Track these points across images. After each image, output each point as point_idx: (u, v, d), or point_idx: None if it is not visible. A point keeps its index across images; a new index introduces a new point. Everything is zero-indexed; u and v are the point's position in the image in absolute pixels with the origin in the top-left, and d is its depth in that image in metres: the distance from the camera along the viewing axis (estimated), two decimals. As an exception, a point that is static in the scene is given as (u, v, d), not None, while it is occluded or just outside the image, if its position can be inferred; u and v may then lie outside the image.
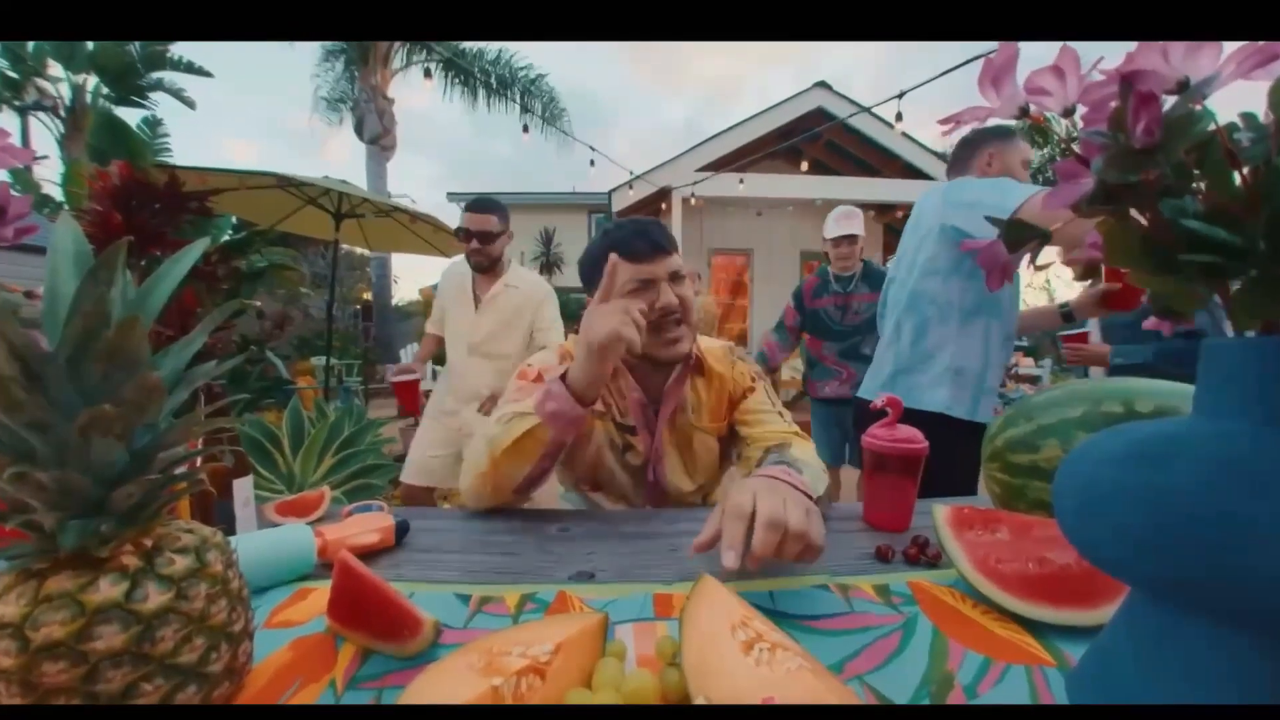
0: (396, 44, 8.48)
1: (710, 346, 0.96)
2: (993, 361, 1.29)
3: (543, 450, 0.72)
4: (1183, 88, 0.27)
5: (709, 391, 0.92)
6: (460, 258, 2.06)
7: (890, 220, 6.87)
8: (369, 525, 0.64)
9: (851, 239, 2.22)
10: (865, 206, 6.60)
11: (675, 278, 0.83)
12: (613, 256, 0.72)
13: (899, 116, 3.70)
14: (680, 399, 0.91)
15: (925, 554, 0.62)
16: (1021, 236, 0.35)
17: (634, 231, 0.82)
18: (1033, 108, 0.33)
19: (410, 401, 2.29)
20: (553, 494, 1.13)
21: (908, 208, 6.30)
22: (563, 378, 0.72)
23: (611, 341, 0.67)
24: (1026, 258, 0.37)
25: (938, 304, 1.29)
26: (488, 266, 1.96)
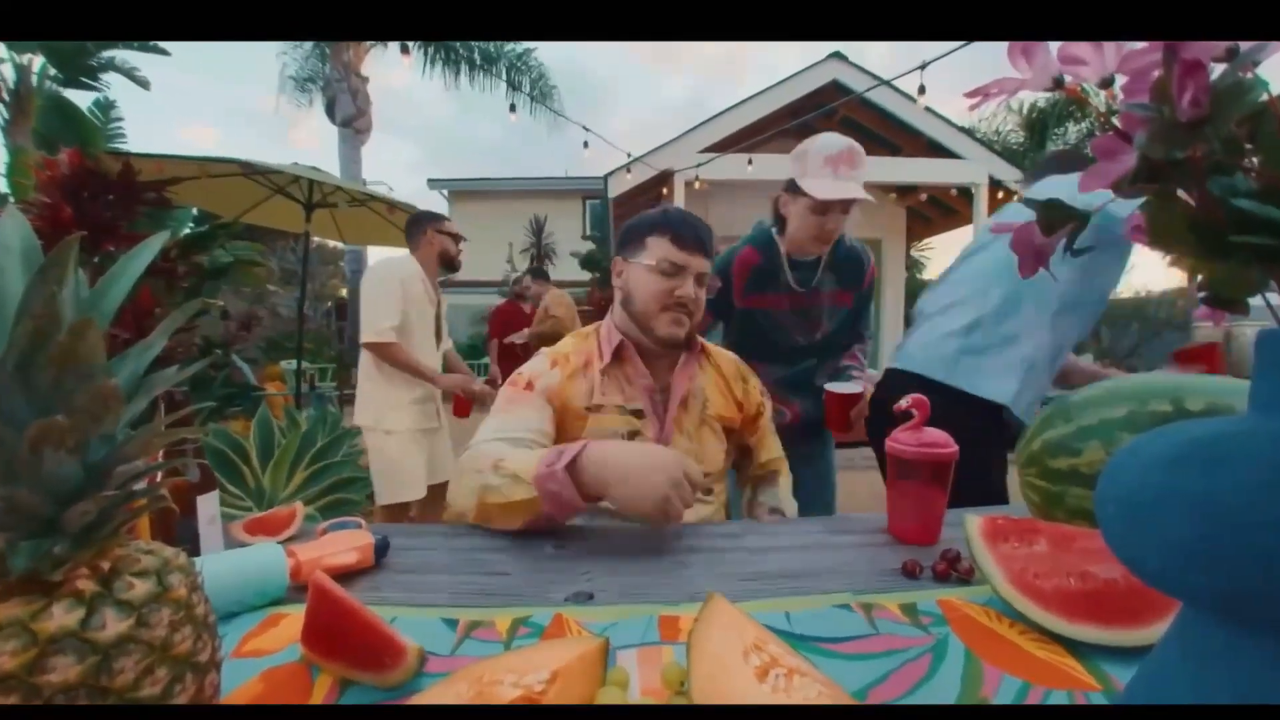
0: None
1: (718, 352, 1.09)
2: (1056, 365, 1.27)
3: (531, 519, 0.73)
4: (1232, 54, 0.27)
5: (716, 388, 1.03)
6: (403, 254, 2.15)
7: (914, 203, 6.86)
8: (346, 544, 0.64)
9: (846, 206, 1.33)
10: (886, 188, 6.59)
11: (700, 278, 0.96)
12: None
13: (921, 89, 3.69)
14: (690, 388, 1.00)
15: (956, 569, 0.62)
16: (1057, 218, 0.35)
17: (691, 222, 0.96)
18: (1068, 79, 0.33)
19: (464, 407, 2.32)
20: None
21: (933, 189, 6.30)
22: (574, 461, 0.71)
23: (657, 512, 0.68)
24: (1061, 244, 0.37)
25: (1037, 286, 1.19)
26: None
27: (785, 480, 1.09)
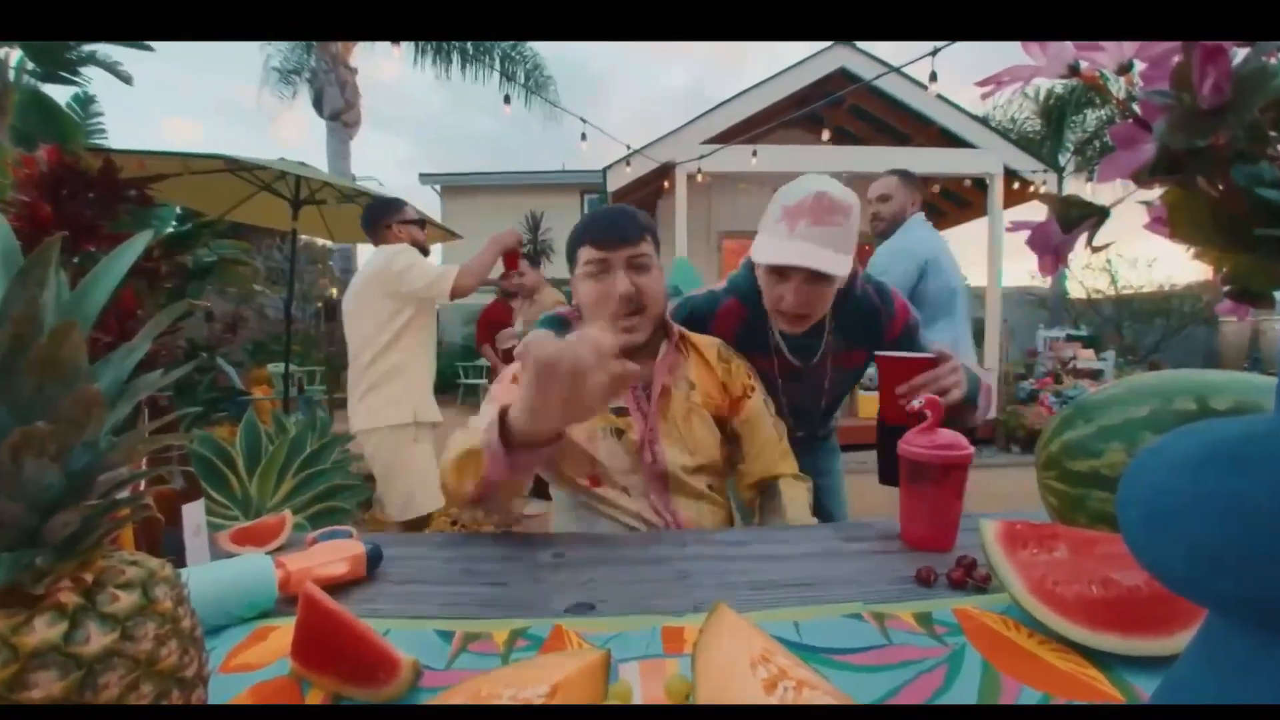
0: (359, 6, 8.51)
1: (700, 339, 1.07)
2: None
3: (479, 476, 0.72)
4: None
5: (701, 375, 1.02)
6: (402, 246, 2.09)
7: (926, 196, 6.87)
8: (337, 554, 0.64)
9: (819, 279, 1.00)
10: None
11: (637, 265, 0.94)
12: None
13: (933, 77, 3.69)
14: (673, 378, 1.00)
15: (973, 577, 0.62)
16: (1076, 214, 0.35)
17: (605, 215, 0.96)
18: (1084, 65, 0.33)
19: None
20: (545, 520, 1.16)
21: (945, 180, 6.29)
22: (504, 414, 0.70)
23: (550, 362, 0.62)
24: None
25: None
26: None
27: (794, 494, 0.99)
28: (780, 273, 1.02)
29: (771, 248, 1.01)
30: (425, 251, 2.18)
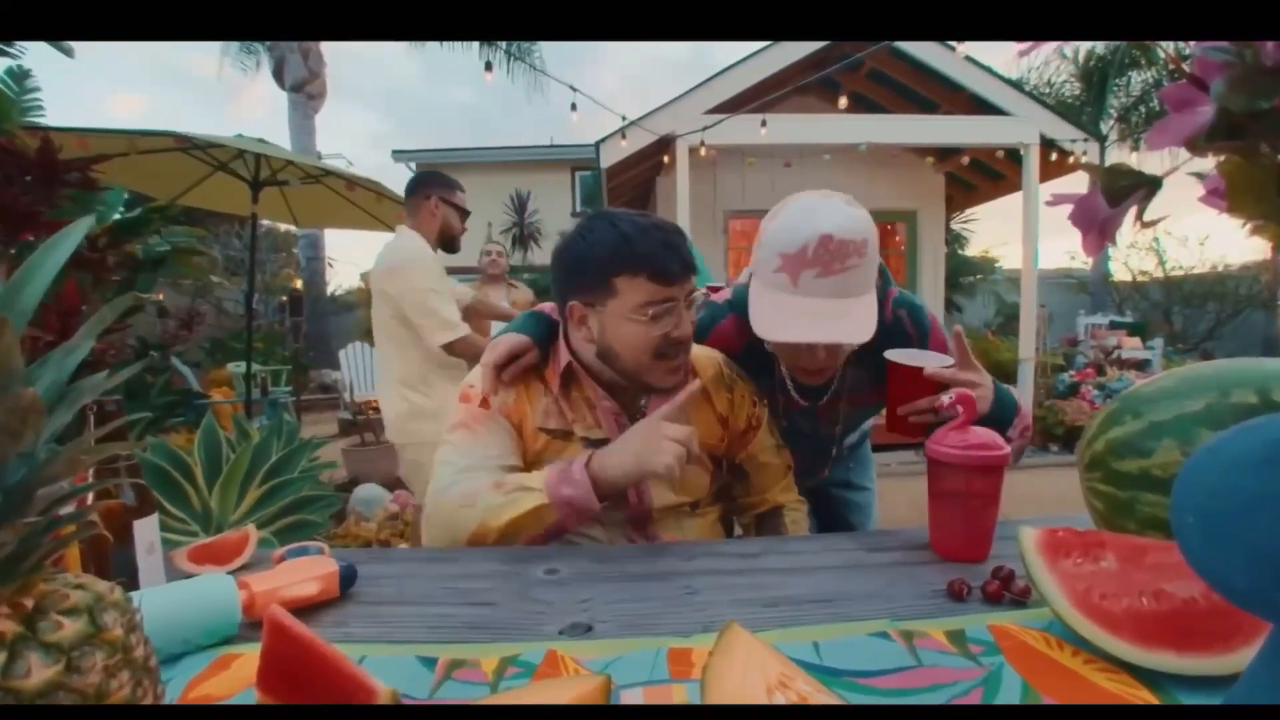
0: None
1: (699, 356, 0.99)
2: None
3: (544, 532, 0.82)
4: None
5: (697, 408, 0.97)
6: (408, 235, 2.07)
7: (954, 168, 6.85)
8: (306, 573, 0.64)
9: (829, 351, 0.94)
10: (922, 151, 6.58)
11: (689, 300, 0.88)
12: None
13: (962, 36, 3.68)
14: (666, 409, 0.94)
15: (1010, 590, 0.62)
16: (1124, 185, 0.35)
17: (662, 244, 0.84)
18: (1133, 18, 0.32)
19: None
20: None
21: (975, 151, 6.28)
22: (587, 463, 0.81)
23: (664, 473, 0.78)
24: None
25: None
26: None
27: (796, 516, 1.05)
28: (789, 347, 0.94)
29: (777, 318, 0.88)
30: (453, 248, 2.16)
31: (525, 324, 0.97)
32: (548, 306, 1.01)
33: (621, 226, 0.84)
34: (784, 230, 0.87)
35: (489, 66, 5.22)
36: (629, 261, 0.82)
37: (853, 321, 0.86)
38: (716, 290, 1.18)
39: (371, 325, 2.14)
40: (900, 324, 1.04)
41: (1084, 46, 10.04)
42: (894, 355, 0.92)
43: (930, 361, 0.90)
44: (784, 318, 0.87)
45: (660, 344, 0.85)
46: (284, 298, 10.47)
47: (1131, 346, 6.59)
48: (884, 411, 0.98)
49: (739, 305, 1.07)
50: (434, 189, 2.08)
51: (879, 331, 0.93)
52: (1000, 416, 0.92)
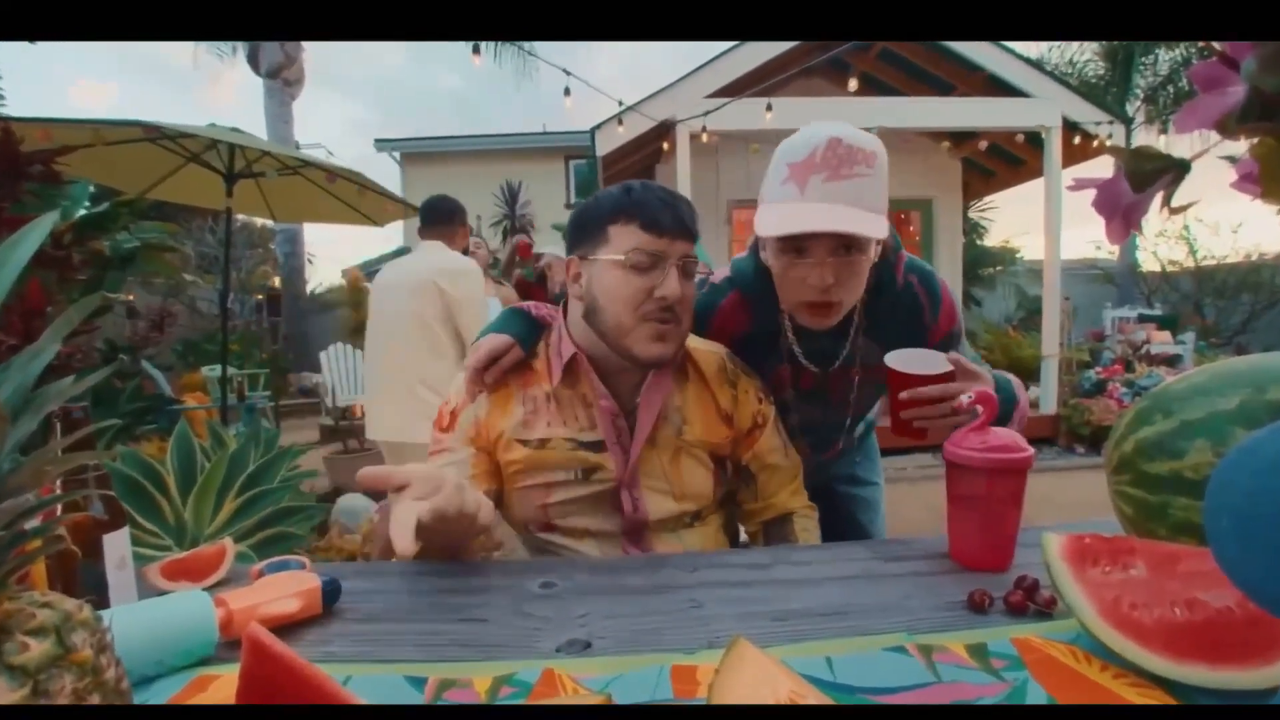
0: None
1: (700, 350, 1.01)
2: None
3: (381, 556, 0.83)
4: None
5: (699, 403, 0.98)
6: (466, 259, 2.39)
7: (971, 153, 6.85)
8: (287, 589, 0.64)
9: (851, 248, 0.91)
10: (938, 135, 6.58)
11: (687, 270, 0.91)
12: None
13: (979, 13, 3.68)
14: (663, 408, 0.95)
15: (1034, 600, 0.62)
16: (1150, 169, 0.35)
17: (660, 199, 0.89)
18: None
19: None
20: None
21: (994, 135, 6.29)
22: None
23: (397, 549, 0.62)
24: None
25: None
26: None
27: (806, 524, 1.04)
28: (797, 248, 0.91)
29: (780, 215, 0.90)
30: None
31: (507, 323, 0.98)
32: (530, 304, 1.02)
33: (630, 185, 0.91)
34: (793, 144, 0.91)
35: (477, 49, 5.22)
36: (623, 208, 0.88)
37: (862, 220, 0.86)
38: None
39: (369, 323, 2.33)
40: (911, 289, 1.06)
41: (1108, 23, 10.02)
42: (893, 361, 0.94)
43: (929, 366, 0.92)
44: (790, 215, 0.89)
45: (643, 298, 0.87)
46: (261, 297, 10.46)
47: (1161, 341, 6.59)
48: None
49: (740, 279, 1.11)
50: (465, 219, 2.42)
51: (890, 299, 1.01)
52: (1001, 415, 0.91)
